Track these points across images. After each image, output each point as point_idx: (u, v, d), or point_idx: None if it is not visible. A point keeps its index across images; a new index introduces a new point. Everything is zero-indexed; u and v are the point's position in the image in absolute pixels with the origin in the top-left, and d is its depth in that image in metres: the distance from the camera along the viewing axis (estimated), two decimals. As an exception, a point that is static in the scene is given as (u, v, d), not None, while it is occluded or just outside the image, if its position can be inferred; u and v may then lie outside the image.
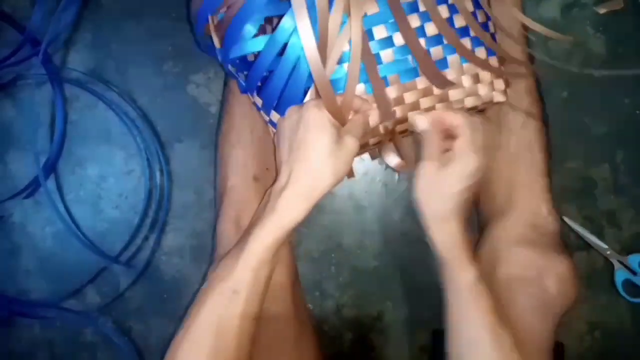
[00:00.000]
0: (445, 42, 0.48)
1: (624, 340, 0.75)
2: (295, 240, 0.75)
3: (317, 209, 0.75)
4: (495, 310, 0.47)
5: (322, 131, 0.43)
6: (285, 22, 0.43)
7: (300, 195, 0.44)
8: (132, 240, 0.74)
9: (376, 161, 0.75)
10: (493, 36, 0.52)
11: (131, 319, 0.74)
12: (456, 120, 0.47)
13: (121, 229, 0.74)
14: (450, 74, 0.49)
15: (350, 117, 0.47)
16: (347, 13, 0.43)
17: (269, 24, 0.52)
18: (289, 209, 0.44)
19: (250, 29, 0.46)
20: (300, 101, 0.47)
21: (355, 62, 0.43)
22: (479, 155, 0.47)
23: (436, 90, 0.49)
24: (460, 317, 0.48)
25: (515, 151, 0.61)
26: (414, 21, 0.47)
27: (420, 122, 0.49)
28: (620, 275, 0.74)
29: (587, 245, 0.75)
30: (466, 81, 0.49)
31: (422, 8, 0.47)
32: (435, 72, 0.48)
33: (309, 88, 0.47)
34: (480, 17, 0.51)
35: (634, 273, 0.74)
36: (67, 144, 0.74)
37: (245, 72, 0.50)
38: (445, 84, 0.48)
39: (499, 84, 0.51)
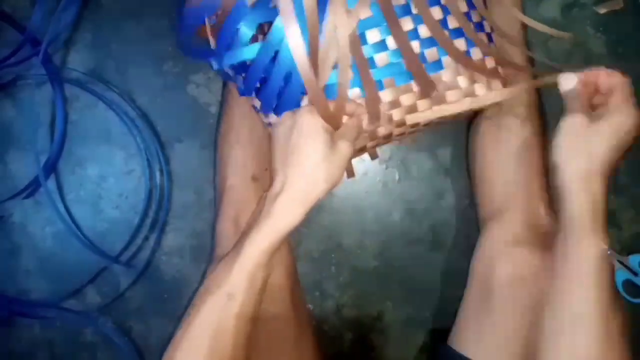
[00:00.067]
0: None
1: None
2: (295, 240, 0.75)
3: (317, 209, 0.75)
4: (612, 293, 0.44)
5: (315, 137, 0.44)
6: (276, 29, 0.44)
7: (295, 200, 0.44)
8: (132, 240, 0.74)
9: (376, 161, 0.75)
10: (490, 35, 0.52)
11: (131, 319, 0.75)
12: (614, 78, 0.46)
13: (121, 229, 0.74)
14: (445, 75, 0.49)
15: (344, 121, 0.47)
16: (336, 20, 0.43)
17: (264, 30, 0.52)
18: (284, 213, 0.44)
19: (244, 35, 0.46)
20: (298, 104, 0.47)
21: (344, 68, 0.44)
22: (639, 111, 0.45)
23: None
24: (573, 289, 0.45)
25: (514, 150, 0.61)
26: (407, 24, 0.47)
27: (567, 81, 0.46)
28: (620, 275, 0.74)
29: (587, 245, 0.74)
30: (462, 82, 0.49)
31: (414, 10, 0.47)
32: (425, 78, 0.47)
33: (305, 93, 0.47)
34: (475, 17, 0.50)
35: (635, 273, 0.73)
36: (67, 144, 0.74)
37: (244, 74, 0.50)
38: (430, 90, 0.48)
39: (496, 84, 0.51)
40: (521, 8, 0.67)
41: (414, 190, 0.76)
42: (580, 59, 0.76)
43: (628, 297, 0.73)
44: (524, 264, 0.56)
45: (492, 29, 0.52)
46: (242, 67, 0.50)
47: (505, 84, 0.52)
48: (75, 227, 0.73)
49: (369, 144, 0.52)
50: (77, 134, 0.75)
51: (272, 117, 0.50)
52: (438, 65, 0.48)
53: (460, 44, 0.49)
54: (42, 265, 0.75)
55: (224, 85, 0.70)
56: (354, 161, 0.72)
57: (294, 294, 0.61)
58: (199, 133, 0.75)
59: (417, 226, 0.76)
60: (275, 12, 0.44)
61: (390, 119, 0.49)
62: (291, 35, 0.42)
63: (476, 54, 0.50)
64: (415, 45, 0.47)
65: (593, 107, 0.47)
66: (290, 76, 0.46)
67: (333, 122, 0.46)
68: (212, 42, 0.50)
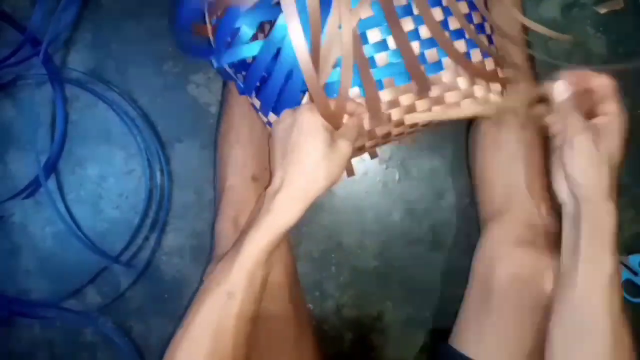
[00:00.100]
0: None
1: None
2: (295, 240, 0.75)
3: (317, 209, 0.75)
4: (622, 306, 0.44)
5: (315, 135, 0.44)
6: (278, 27, 0.44)
7: (293, 198, 0.44)
8: (133, 240, 0.74)
9: (376, 161, 0.75)
10: (490, 37, 0.52)
11: (131, 319, 0.75)
12: (602, 80, 0.46)
13: (121, 229, 0.74)
14: (445, 76, 0.49)
15: (344, 120, 0.47)
16: (340, 18, 0.43)
17: (264, 28, 0.52)
18: (283, 211, 0.44)
19: (244, 34, 0.46)
20: (297, 103, 0.47)
21: (346, 67, 0.44)
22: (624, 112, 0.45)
23: (432, 93, 0.49)
24: (584, 301, 0.44)
25: (515, 151, 0.61)
26: (408, 24, 0.47)
27: (559, 89, 0.46)
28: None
29: (587, 245, 0.75)
30: (462, 83, 0.49)
31: (416, 11, 0.47)
32: (423, 79, 0.47)
33: (306, 91, 0.47)
34: (476, 19, 0.50)
35: (635, 273, 0.74)
36: (67, 144, 0.74)
37: (244, 73, 0.50)
38: (425, 90, 0.48)
39: (496, 85, 0.51)
40: (521, 8, 0.67)
41: (414, 190, 0.76)
42: (580, 59, 0.76)
43: (628, 297, 0.74)
44: (525, 264, 0.56)
45: (492, 30, 0.52)
46: (243, 66, 0.50)
47: (504, 86, 0.52)
48: (75, 227, 0.73)
49: (368, 143, 0.52)
50: (77, 134, 0.75)
51: (272, 116, 0.50)
52: (438, 66, 0.48)
53: (460, 45, 0.49)
54: (42, 265, 0.75)
55: (224, 84, 0.70)
56: (354, 160, 0.72)
57: (293, 293, 0.61)
58: (199, 133, 0.75)
59: (417, 226, 0.76)
60: (276, 10, 0.44)
61: (389, 118, 0.49)
62: (293, 33, 0.42)
63: (476, 55, 0.50)
64: (415, 45, 0.47)
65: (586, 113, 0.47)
66: (291, 74, 0.46)
67: (333, 120, 0.46)
68: (213, 41, 0.50)
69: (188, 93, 0.75)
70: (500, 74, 0.51)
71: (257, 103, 0.51)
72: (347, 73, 0.44)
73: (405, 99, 0.49)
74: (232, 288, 0.43)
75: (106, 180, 0.75)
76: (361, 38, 0.47)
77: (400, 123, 0.50)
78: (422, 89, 0.48)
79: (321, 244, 0.75)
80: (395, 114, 0.49)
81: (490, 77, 0.50)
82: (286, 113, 0.47)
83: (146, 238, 0.75)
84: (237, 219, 0.60)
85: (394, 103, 0.48)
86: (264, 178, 0.62)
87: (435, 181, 0.75)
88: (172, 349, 0.43)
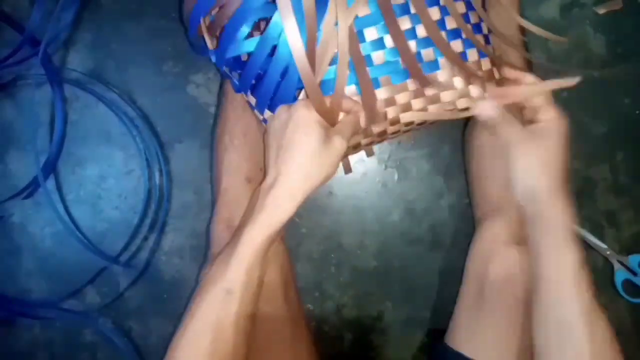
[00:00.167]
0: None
1: (624, 340, 0.75)
2: (295, 240, 0.75)
3: (317, 210, 0.75)
4: (594, 297, 0.45)
5: (310, 131, 0.44)
6: (274, 24, 0.44)
7: (288, 194, 0.44)
8: (132, 241, 0.74)
9: (376, 161, 0.75)
10: (487, 37, 0.52)
11: (131, 319, 0.75)
12: (533, 90, 0.47)
13: (121, 229, 0.74)
14: (441, 75, 0.49)
15: (340, 117, 0.47)
16: (336, 16, 0.43)
17: (259, 27, 0.53)
18: (277, 207, 0.44)
19: (243, 30, 0.46)
20: (293, 100, 0.47)
21: (342, 64, 0.44)
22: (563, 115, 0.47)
23: (428, 92, 0.49)
24: (556, 297, 0.45)
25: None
26: (405, 23, 0.47)
27: (485, 108, 0.48)
28: (620, 275, 0.74)
29: (587, 245, 0.75)
30: (458, 83, 0.49)
31: (413, 10, 0.47)
32: (422, 76, 0.47)
33: (301, 88, 0.47)
34: (473, 18, 0.51)
35: (634, 273, 0.74)
36: (66, 144, 0.74)
37: (239, 72, 0.50)
38: (425, 84, 0.48)
39: (491, 86, 0.51)
40: (519, 9, 0.67)
41: (413, 190, 0.76)
42: (580, 59, 0.76)
43: (628, 297, 0.74)
44: (517, 263, 0.57)
45: (489, 30, 0.52)
46: (238, 64, 0.50)
47: (500, 86, 0.52)
48: (74, 228, 0.73)
49: (364, 141, 0.52)
50: (77, 134, 0.75)
51: (268, 113, 0.50)
52: (434, 65, 0.48)
53: (457, 44, 0.49)
54: (42, 265, 0.75)
55: (220, 86, 0.70)
56: (352, 159, 0.72)
57: (289, 293, 0.61)
58: (199, 133, 0.75)
59: (416, 226, 0.76)
60: (273, 7, 0.44)
61: (385, 116, 0.49)
62: (289, 29, 0.42)
63: (473, 55, 0.50)
64: (412, 44, 0.47)
65: (524, 116, 0.49)
66: (286, 72, 0.46)
67: (329, 117, 0.46)
68: (208, 41, 0.50)
69: (188, 93, 0.75)
70: (497, 75, 0.51)
71: (253, 100, 0.51)
72: (342, 70, 0.44)
73: (401, 98, 0.49)
74: (230, 285, 0.43)
75: (105, 181, 0.75)
76: (358, 36, 0.47)
77: (396, 121, 0.50)
78: (422, 84, 0.48)
79: (321, 244, 0.75)
80: (391, 112, 0.49)
81: (487, 76, 0.50)
82: (282, 109, 0.47)
83: (145, 238, 0.75)
84: (231, 220, 0.60)
85: (391, 101, 0.49)
86: (259, 179, 0.62)
87: (434, 181, 0.75)
88: (171, 350, 0.43)
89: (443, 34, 0.48)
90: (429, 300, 0.75)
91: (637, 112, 0.76)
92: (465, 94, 0.50)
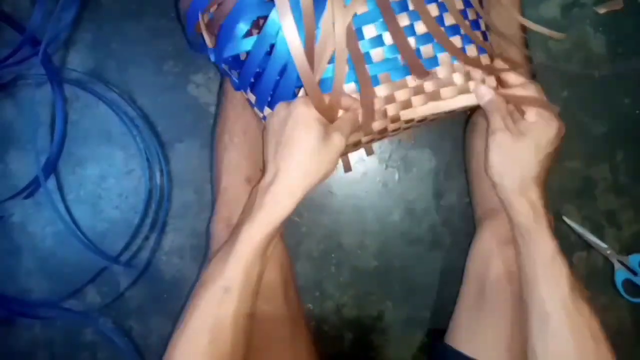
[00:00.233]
0: (435, 40, 0.48)
1: (624, 340, 0.75)
2: (295, 240, 0.75)
3: (317, 209, 0.75)
4: (573, 286, 0.45)
5: (308, 128, 0.44)
6: (271, 22, 0.44)
7: (286, 191, 0.44)
8: (132, 240, 0.74)
9: (376, 161, 0.75)
10: (485, 34, 0.52)
11: (131, 319, 0.75)
12: (528, 90, 0.48)
13: (121, 229, 0.74)
14: (441, 71, 0.49)
15: (340, 114, 0.47)
16: (334, 14, 0.44)
17: (258, 24, 0.53)
18: (276, 204, 0.44)
19: (241, 28, 0.46)
20: (292, 98, 0.47)
21: (340, 62, 0.44)
22: (560, 121, 0.47)
23: (427, 88, 0.49)
24: (534, 291, 0.46)
25: None
26: (404, 20, 0.47)
27: (481, 93, 0.49)
28: (620, 275, 0.74)
29: (587, 245, 0.75)
30: (457, 79, 0.49)
31: (411, 7, 0.47)
32: (419, 66, 0.48)
33: (301, 86, 0.47)
34: (471, 15, 0.51)
35: (634, 273, 0.74)
36: (67, 144, 0.74)
37: (238, 70, 0.50)
38: (424, 75, 0.49)
39: (491, 81, 0.51)
40: (520, 8, 0.67)
41: (413, 190, 0.76)
42: (580, 59, 0.76)
43: (628, 297, 0.74)
44: (514, 262, 0.56)
45: (487, 27, 0.53)
46: (237, 62, 0.50)
47: (499, 82, 0.52)
48: (75, 227, 0.73)
49: (364, 139, 0.52)
50: (77, 134, 0.75)
51: (267, 111, 0.50)
52: (434, 61, 0.49)
53: (456, 41, 0.49)
54: (42, 265, 0.75)
55: (220, 86, 0.70)
56: (353, 158, 0.72)
57: (288, 293, 0.61)
58: (199, 133, 0.75)
59: (417, 226, 0.76)
60: (270, 5, 0.44)
61: (385, 114, 0.49)
62: (287, 27, 0.42)
63: (472, 51, 0.50)
64: (411, 41, 0.48)
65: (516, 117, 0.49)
66: (285, 69, 0.46)
67: (328, 115, 0.46)
68: (207, 39, 0.50)
69: (188, 93, 0.75)
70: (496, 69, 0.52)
71: (253, 98, 0.51)
72: (340, 68, 0.44)
73: (401, 95, 0.49)
74: (228, 283, 0.43)
75: (106, 181, 0.75)
76: (357, 34, 0.47)
77: (396, 118, 0.50)
78: (420, 76, 0.48)
79: (321, 244, 0.75)
80: (391, 110, 0.49)
81: (488, 69, 0.50)
82: (281, 106, 0.47)
83: (146, 238, 0.75)
84: (231, 220, 0.60)
85: (390, 98, 0.49)
86: (258, 179, 0.62)
87: (435, 181, 0.75)
88: (170, 349, 0.42)
89: (442, 29, 0.48)
90: (429, 300, 0.75)
91: (637, 112, 0.76)
92: (464, 90, 0.50)
